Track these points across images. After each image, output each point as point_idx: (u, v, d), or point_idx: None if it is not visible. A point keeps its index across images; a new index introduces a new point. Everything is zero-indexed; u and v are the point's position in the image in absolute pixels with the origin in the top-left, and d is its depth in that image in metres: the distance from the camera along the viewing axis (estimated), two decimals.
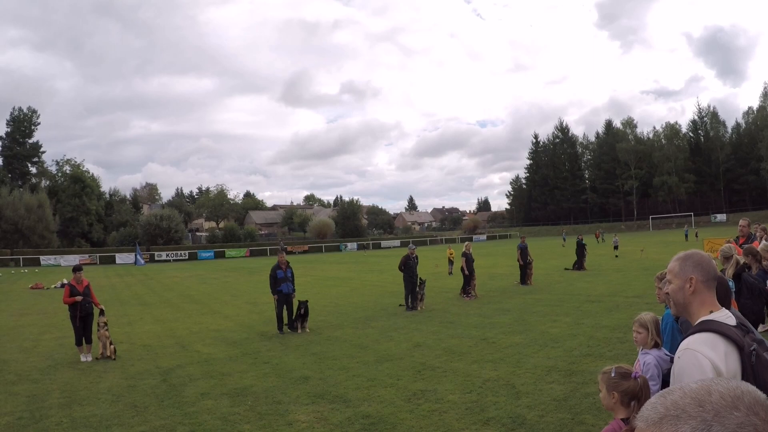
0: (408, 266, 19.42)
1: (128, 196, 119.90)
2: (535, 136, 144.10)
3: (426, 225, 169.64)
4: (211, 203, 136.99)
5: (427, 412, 8.25)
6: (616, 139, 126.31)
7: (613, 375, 3.86)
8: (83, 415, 9.57)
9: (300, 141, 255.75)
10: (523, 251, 24.87)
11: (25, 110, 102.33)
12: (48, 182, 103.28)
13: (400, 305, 19.81)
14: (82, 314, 14.22)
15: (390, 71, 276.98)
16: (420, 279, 19.38)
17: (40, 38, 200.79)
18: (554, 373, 9.87)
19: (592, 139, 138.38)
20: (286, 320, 16.55)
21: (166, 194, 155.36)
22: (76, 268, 14.80)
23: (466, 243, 23.83)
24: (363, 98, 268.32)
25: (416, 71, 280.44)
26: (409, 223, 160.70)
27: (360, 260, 53.91)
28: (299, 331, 16.12)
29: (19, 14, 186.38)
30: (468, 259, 21.74)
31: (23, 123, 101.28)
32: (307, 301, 16.57)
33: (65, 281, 38.64)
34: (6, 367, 13.83)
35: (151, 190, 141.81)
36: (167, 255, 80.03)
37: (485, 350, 12.20)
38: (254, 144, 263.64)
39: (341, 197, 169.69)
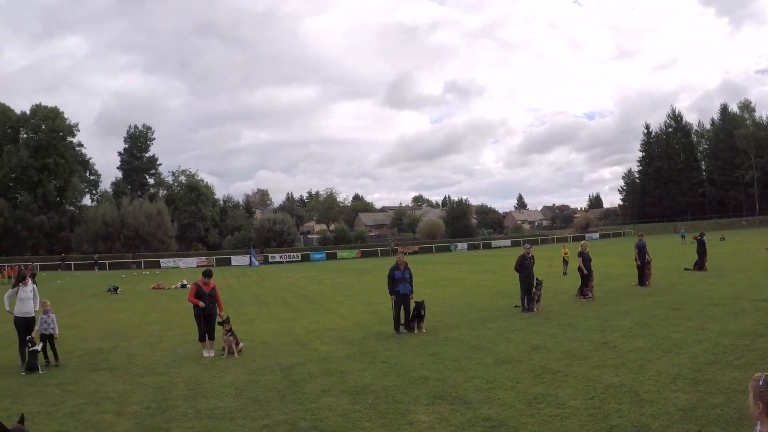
0: (524, 266, 18.96)
1: (241, 202, 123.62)
2: (647, 126, 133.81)
3: (536, 224, 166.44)
4: (321, 206, 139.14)
5: (549, 417, 8.08)
6: (734, 126, 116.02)
7: (761, 384, 3.66)
8: (208, 407, 9.92)
9: (406, 143, 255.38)
10: (641, 250, 23.82)
11: (140, 127, 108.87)
12: (165, 192, 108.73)
13: (515, 306, 19.43)
14: (205, 314, 14.72)
15: (492, 68, 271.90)
16: (537, 280, 18.99)
17: (149, 62, 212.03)
18: (679, 381, 9.43)
19: (708, 126, 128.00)
20: (402, 320, 16.56)
21: (277, 199, 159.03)
22: (207, 273, 15.29)
23: (583, 242, 23.22)
24: (467, 97, 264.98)
25: (518, 66, 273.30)
26: (519, 222, 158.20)
27: (471, 260, 53.55)
28: (415, 331, 16.10)
29: (127, 42, 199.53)
30: (585, 258, 21.12)
31: (139, 139, 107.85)
32: (423, 301, 16.50)
33: (185, 282, 40.15)
34: (133, 361, 14.52)
35: (262, 195, 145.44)
36: (280, 257, 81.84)
37: (606, 354, 11.83)
38: (361, 147, 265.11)
39: (449, 197, 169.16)
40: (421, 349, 13.71)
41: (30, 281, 14.65)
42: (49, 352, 14.39)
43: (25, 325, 14.07)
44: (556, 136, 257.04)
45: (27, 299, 14.20)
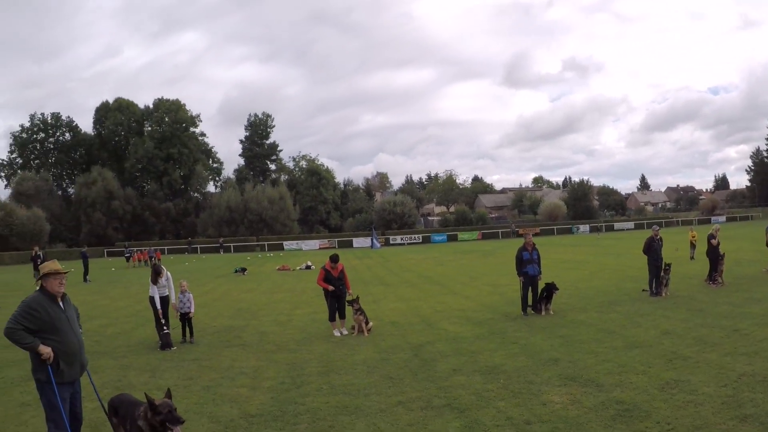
0: (652, 249, 18.44)
1: (361, 185, 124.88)
2: None
3: (660, 205, 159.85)
4: (441, 188, 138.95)
5: (682, 403, 8.00)
6: None
7: None
8: (341, 383, 10.30)
9: (525, 123, 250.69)
10: None
11: (260, 115, 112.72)
12: (287, 176, 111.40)
13: (643, 290, 19.02)
14: (335, 295, 15.20)
15: (610, 43, 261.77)
16: (665, 264, 18.58)
17: (265, 52, 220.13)
18: None
19: None
20: (530, 302, 16.55)
21: (397, 182, 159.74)
22: (334, 259, 15.73)
23: (716, 226, 22.54)
24: (586, 74, 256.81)
25: (637, 40, 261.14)
26: (642, 204, 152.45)
27: (594, 243, 52.43)
28: (543, 313, 16.10)
29: (243, 34, 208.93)
30: (716, 242, 20.57)
31: (260, 127, 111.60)
32: (554, 283, 16.43)
33: (310, 263, 41.18)
34: (265, 338, 15.16)
35: (382, 178, 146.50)
36: (401, 239, 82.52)
37: (738, 342, 11.48)
38: (479, 128, 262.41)
39: (570, 178, 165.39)
40: (550, 331, 13.73)
41: (165, 273, 15.58)
42: (186, 330, 15.36)
43: (160, 302, 15.14)
44: (680, 113, 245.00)
45: (163, 287, 15.32)
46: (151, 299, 15.20)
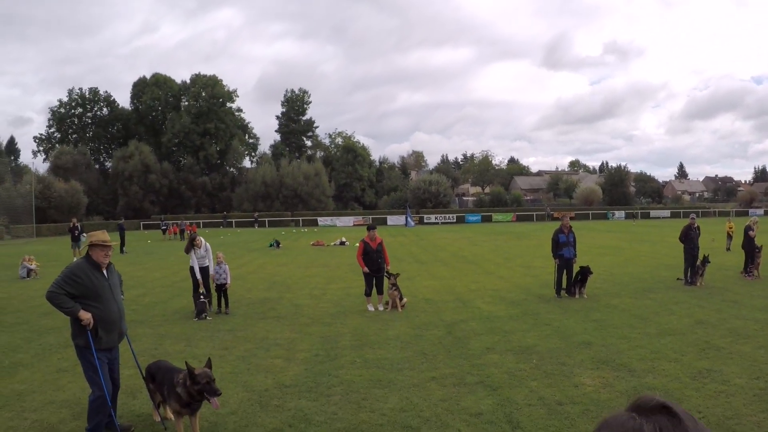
0: (689, 237, 18.32)
1: (396, 164, 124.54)
2: None
3: (697, 195, 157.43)
4: (476, 169, 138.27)
5: (714, 392, 7.99)
6: None
7: None
8: (375, 357, 10.45)
9: (563, 105, 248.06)
10: None
11: (297, 92, 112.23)
12: (322, 153, 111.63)
13: (677, 279, 18.84)
14: (373, 270, 15.30)
15: (653, 27, 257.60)
16: (704, 256, 18.29)
17: (303, 29, 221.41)
18: None
19: None
20: (564, 285, 16.52)
21: (432, 161, 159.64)
22: (370, 227, 15.88)
23: (753, 218, 22.29)
24: (627, 58, 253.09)
25: (680, 25, 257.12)
26: (679, 193, 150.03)
27: (629, 230, 51.92)
28: (577, 296, 16.06)
29: (280, 11, 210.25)
30: (753, 235, 20.32)
31: (296, 103, 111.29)
32: (588, 266, 16.40)
33: (344, 239, 41.37)
34: (300, 311, 15.35)
35: (417, 157, 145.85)
36: (435, 218, 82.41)
37: None
38: (517, 110, 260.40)
39: (607, 163, 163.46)
40: (584, 315, 13.73)
41: (203, 242, 15.99)
42: (221, 301, 15.66)
43: (200, 272, 15.62)
44: (721, 102, 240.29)
45: (202, 258, 15.75)
46: (191, 269, 15.70)
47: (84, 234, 33.00)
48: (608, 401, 7.70)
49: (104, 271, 7.31)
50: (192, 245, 15.83)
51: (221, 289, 15.59)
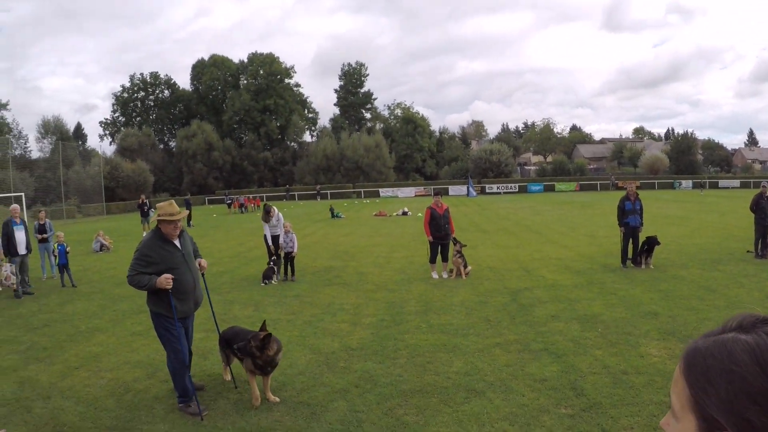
0: (760, 207, 17.31)
1: (456, 134, 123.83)
2: None
3: None
4: (538, 138, 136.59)
5: None
6: None
7: None
8: (439, 323, 10.60)
9: (626, 70, 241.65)
10: None
11: (354, 65, 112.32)
12: (382, 125, 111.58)
13: (747, 251, 18.05)
14: (439, 236, 15.37)
15: None
16: None
17: (356, 3, 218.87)
18: None
19: None
20: (630, 254, 16.26)
21: (492, 130, 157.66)
22: (436, 192, 15.99)
23: None
24: (691, 18, 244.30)
25: None
26: (749, 161, 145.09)
27: (696, 199, 50.60)
28: (643, 266, 15.77)
29: None
30: None
31: (353, 76, 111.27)
32: (656, 236, 16.00)
33: (406, 210, 41.52)
34: (365, 279, 15.63)
35: (477, 126, 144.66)
36: (497, 187, 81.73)
37: None
38: (578, 76, 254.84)
39: (673, 130, 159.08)
40: (650, 285, 13.50)
41: (276, 212, 16.58)
42: (288, 269, 16.13)
43: (272, 240, 16.40)
44: None
45: (274, 227, 16.43)
46: (264, 237, 16.48)
47: (152, 209, 33.94)
48: (673, 373, 7.53)
49: (176, 241, 7.32)
50: (266, 215, 16.37)
51: (288, 257, 16.05)
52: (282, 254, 16.18)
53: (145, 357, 9.25)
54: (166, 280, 6.87)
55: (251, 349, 7.02)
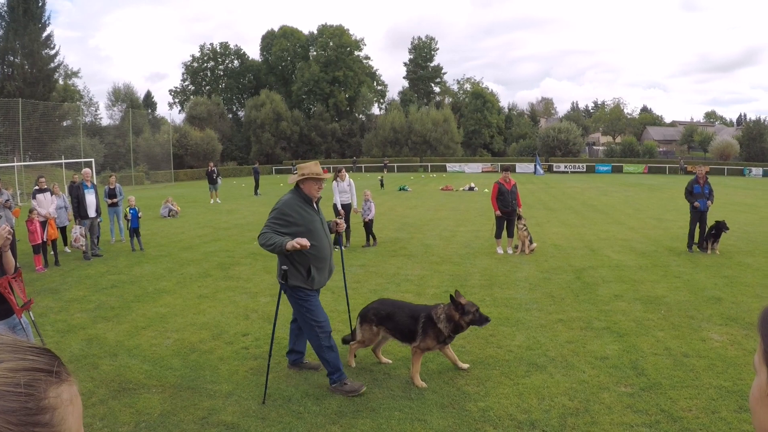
0: None
1: (526, 111, 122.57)
2: None
3: None
4: (607, 118, 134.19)
5: None
6: None
7: None
8: (503, 297, 10.86)
9: (700, 52, 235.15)
10: None
11: (424, 39, 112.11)
12: (451, 99, 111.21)
13: None
14: (506, 212, 15.54)
15: None
16: None
17: None
18: None
19: None
20: (696, 239, 16.17)
21: (562, 109, 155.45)
22: (505, 168, 16.18)
23: None
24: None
25: None
26: None
27: (766, 188, 49.41)
28: (708, 251, 15.67)
29: None
30: None
31: (423, 50, 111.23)
32: (724, 221, 15.80)
33: (473, 185, 41.64)
34: (430, 251, 15.96)
35: (546, 104, 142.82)
36: (565, 166, 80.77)
37: None
38: (652, 56, 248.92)
39: (745, 115, 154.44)
40: (715, 270, 13.43)
41: (346, 176, 16.91)
42: (369, 236, 16.98)
43: (342, 207, 16.59)
44: None
45: (344, 192, 16.61)
46: (334, 205, 16.65)
47: (220, 177, 34.71)
48: (735, 359, 7.64)
49: (315, 205, 6.92)
50: (336, 176, 16.77)
51: (368, 225, 16.77)
52: (362, 223, 16.99)
53: (211, 319, 9.69)
54: (300, 242, 6.30)
55: (470, 319, 6.90)
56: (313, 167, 6.84)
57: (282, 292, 6.90)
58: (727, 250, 16.12)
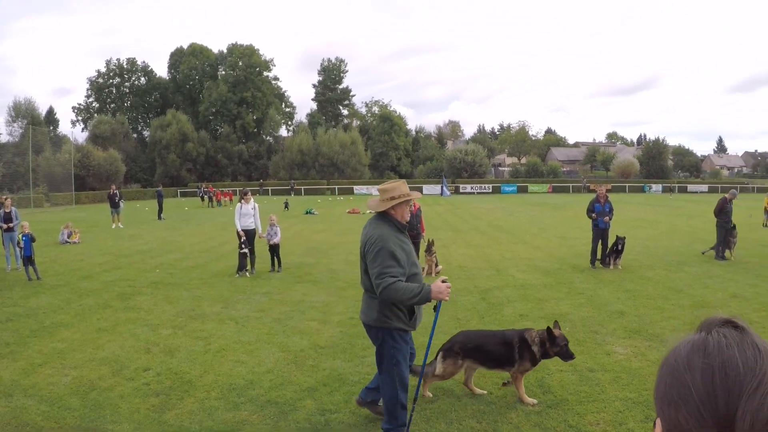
0: (724, 212, 17.89)
1: (433, 133, 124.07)
2: None
3: (736, 170, 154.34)
4: (513, 139, 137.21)
5: None
6: None
7: None
8: None
9: (603, 76, 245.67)
10: None
11: (333, 60, 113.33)
12: (359, 122, 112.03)
13: (702, 252, 18.79)
14: (410, 234, 15.40)
15: None
16: (732, 224, 18.06)
17: None
18: None
19: None
20: (599, 255, 16.50)
21: (469, 131, 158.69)
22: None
23: None
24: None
25: None
26: (718, 167, 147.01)
27: (666, 203, 51.16)
28: (611, 267, 16.04)
29: None
30: None
31: (333, 72, 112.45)
32: (624, 237, 16.28)
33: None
34: (336, 276, 15.70)
35: (453, 127, 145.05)
36: (471, 188, 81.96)
37: None
38: (557, 80, 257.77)
39: (645, 135, 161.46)
40: (617, 285, 13.73)
41: (251, 199, 16.59)
42: (274, 260, 16.62)
43: (246, 236, 16.11)
44: (764, 74, 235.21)
45: (248, 215, 16.18)
46: (238, 231, 16.21)
47: (123, 200, 33.62)
48: (639, 370, 7.79)
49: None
50: (242, 199, 16.52)
51: (274, 249, 16.42)
52: (268, 247, 16.59)
53: (111, 353, 9.11)
54: (445, 287, 5.43)
55: (557, 351, 6.92)
56: (403, 188, 5.80)
57: (379, 331, 5.82)
58: (629, 265, 16.53)
